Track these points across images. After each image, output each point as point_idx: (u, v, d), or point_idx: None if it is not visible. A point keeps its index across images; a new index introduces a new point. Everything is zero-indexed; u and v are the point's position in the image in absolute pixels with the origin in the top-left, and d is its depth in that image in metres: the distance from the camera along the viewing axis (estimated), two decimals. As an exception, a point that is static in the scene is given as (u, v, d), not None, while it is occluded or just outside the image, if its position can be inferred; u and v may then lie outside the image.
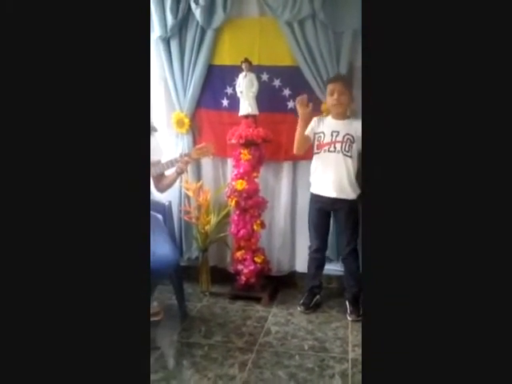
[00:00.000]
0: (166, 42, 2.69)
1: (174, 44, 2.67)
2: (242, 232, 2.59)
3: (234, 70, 2.57)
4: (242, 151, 2.56)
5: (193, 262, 2.87)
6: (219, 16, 2.57)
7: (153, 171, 2.16)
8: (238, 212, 2.62)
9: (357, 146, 2.32)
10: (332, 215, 2.48)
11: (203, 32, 2.63)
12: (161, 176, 2.26)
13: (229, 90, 2.70)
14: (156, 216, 2.32)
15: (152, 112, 2.75)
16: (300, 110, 2.34)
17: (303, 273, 2.80)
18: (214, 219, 2.72)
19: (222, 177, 2.87)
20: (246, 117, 2.55)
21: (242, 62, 2.50)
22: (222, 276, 2.81)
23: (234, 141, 2.55)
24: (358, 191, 2.37)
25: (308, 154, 2.65)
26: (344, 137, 2.33)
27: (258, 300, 2.59)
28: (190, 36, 2.65)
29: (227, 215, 2.75)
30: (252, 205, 2.57)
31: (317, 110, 2.48)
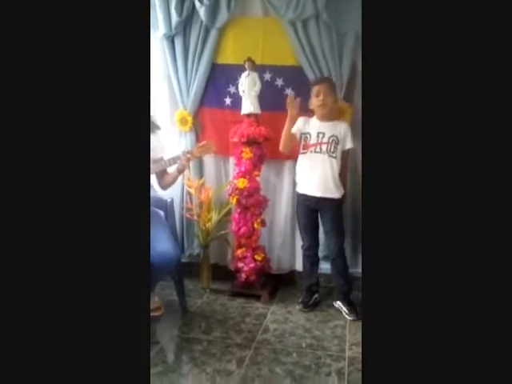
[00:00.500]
0: (171, 40, 2.71)
1: (179, 42, 2.70)
2: (242, 230, 2.61)
3: (237, 69, 2.59)
4: (243, 149, 2.58)
5: (194, 259, 2.90)
6: (223, 15, 2.59)
7: (155, 168, 2.19)
8: (239, 210, 2.64)
9: (341, 147, 2.39)
10: (319, 215, 2.51)
11: (207, 31, 2.66)
12: (163, 173, 2.29)
13: (232, 89, 2.72)
14: (158, 212, 2.35)
15: (155, 110, 2.79)
16: (289, 110, 2.37)
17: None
18: (215, 217, 2.74)
19: (224, 175, 2.89)
20: (248, 115, 2.57)
21: (244, 61, 2.52)
22: (222, 273, 2.83)
23: (236, 139, 2.57)
24: (342, 191, 2.45)
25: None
26: (329, 138, 2.38)
27: (257, 297, 2.62)
28: (194, 34, 2.67)
29: (228, 213, 2.77)
30: (253, 203, 2.59)
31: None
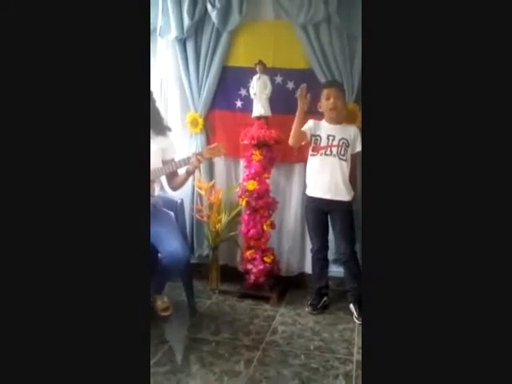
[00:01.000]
0: (182, 43, 2.74)
1: (190, 45, 2.73)
2: (252, 232, 2.62)
3: (249, 72, 2.61)
4: (253, 152, 2.60)
5: (203, 260, 2.91)
6: (235, 18, 2.61)
7: (166, 169, 2.21)
8: (248, 212, 2.65)
9: (351, 150, 2.40)
10: (329, 218, 2.50)
11: (219, 34, 2.68)
12: (174, 174, 2.31)
13: (243, 92, 2.73)
14: (168, 213, 2.37)
15: (167, 112, 2.82)
16: (299, 102, 2.35)
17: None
18: (224, 218, 2.76)
19: (234, 177, 2.91)
20: (259, 118, 2.58)
21: (256, 64, 2.54)
22: (231, 274, 2.85)
23: (246, 141, 2.59)
24: (352, 193, 2.45)
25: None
26: (340, 141, 2.39)
27: (266, 299, 2.62)
28: (206, 38, 2.70)
29: (238, 215, 2.78)
30: (262, 205, 2.60)
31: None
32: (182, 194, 2.54)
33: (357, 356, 2.02)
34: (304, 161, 2.72)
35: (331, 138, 2.40)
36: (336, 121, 2.41)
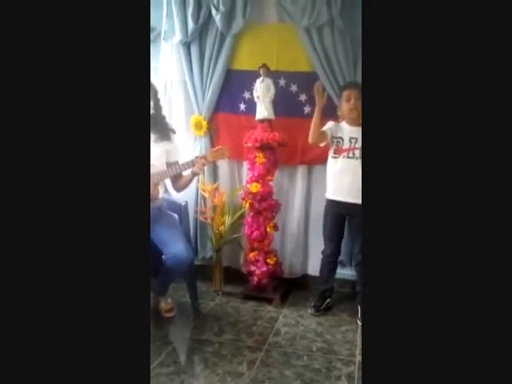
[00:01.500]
0: (187, 46, 2.77)
1: (195, 49, 2.75)
2: (255, 233, 2.64)
3: (252, 75, 2.63)
4: (257, 154, 2.61)
5: (207, 262, 2.93)
6: (239, 22, 2.64)
7: (170, 172, 2.23)
8: (251, 214, 2.67)
9: None
10: (347, 221, 2.51)
11: (223, 37, 2.70)
12: (178, 177, 2.34)
13: (246, 95, 2.75)
14: (172, 215, 2.39)
15: (171, 115, 2.84)
16: (317, 99, 2.34)
17: (315, 276, 2.84)
18: (228, 220, 2.78)
19: (238, 179, 2.93)
20: (262, 121, 2.60)
21: (259, 68, 2.56)
22: (234, 276, 2.86)
23: (249, 144, 2.61)
24: None
25: (323, 159, 2.68)
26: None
27: (269, 301, 2.64)
28: (210, 41, 2.72)
29: (241, 217, 2.80)
30: (266, 207, 2.62)
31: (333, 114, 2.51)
32: (186, 197, 2.57)
33: (359, 357, 2.03)
34: (307, 163, 2.75)
35: (353, 141, 2.37)
36: (356, 122, 2.39)
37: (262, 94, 2.56)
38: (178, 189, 2.39)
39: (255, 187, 2.59)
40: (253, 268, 2.65)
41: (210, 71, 2.74)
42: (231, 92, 2.79)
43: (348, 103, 2.38)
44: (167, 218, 2.33)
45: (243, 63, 2.74)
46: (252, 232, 2.65)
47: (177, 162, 2.29)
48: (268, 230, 2.65)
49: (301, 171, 2.79)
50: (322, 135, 2.41)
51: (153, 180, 2.17)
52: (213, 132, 2.86)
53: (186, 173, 2.31)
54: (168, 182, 2.40)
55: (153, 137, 2.23)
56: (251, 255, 2.68)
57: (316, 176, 2.79)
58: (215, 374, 1.88)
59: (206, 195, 2.78)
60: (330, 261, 2.55)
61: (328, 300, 2.58)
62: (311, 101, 2.65)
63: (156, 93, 2.32)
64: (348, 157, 2.39)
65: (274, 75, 2.62)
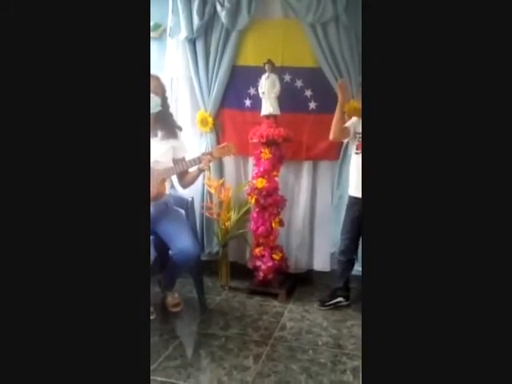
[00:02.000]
0: (192, 42, 2.77)
1: (200, 45, 2.76)
2: (260, 229, 2.66)
3: (257, 71, 2.64)
4: (262, 150, 2.62)
5: (213, 257, 2.96)
6: (244, 18, 2.64)
7: (177, 168, 2.25)
8: (257, 209, 2.68)
9: None
10: None
11: (228, 33, 2.71)
12: (184, 173, 2.35)
13: (252, 91, 2.76)
14: (179, 211, 2.42)
15: (177, 111, 2.86)
16: (340, 96, 2.34)
17: (320, 271, 2.87)
18: (234, 216, 2.79)
19: (244, 175, 2.95)
20: (268, 117, 2.61)
21: (264, 63, 2.57)
22: (240, 271, 2.88)
23: (255, 140, 2.62)
24: None
25: (329, 155, 2.69)
26: None
27: (275, 296, 2.66)
28: (215, 37, 2.72)
29: (247, 212, 2.82)
30: (271, 203, 2.63)
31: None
32: (192, 192, 2.59)
33: (364, 352, 2.05)
34: (312, 159, 2.76)
35: None
36: None
37: (267, 89, 2.57)
38: (185, 185, 2.41)
39: (261, 183, 2.60)
40: (258, 263, 2.67)
41: (216, 67, 2.75)
42: (236, 88, 2.79)
43: None
44: (174, 214, 2.35)
45: (248, 59, 2.75)
46: (258, 227, 2.67)
47: (183, 159, 2.31)
48: (273, 225, 2.67)
49: (306, 167, 2.80)
50: (344, 131, 2.39)
51: (160, 176, 2.19)
52: (218, 128, 2.87)
53: (193, 169, 2.33)
54: (174, 178, 2.42)
55: (160, 134, 2.25)
56: (257, 250, 2.70)
57: (321, 171, 2.81)
58: (221, 368, 1.91)
59: (212, 191, 2.80)
60: (346, 259, 2.52)
61: (339, 299, 2.55)
62: (316, 96, 2.66)
63: (164, 90, 2.34)
64: None
65: (279, 71, 2.62)
